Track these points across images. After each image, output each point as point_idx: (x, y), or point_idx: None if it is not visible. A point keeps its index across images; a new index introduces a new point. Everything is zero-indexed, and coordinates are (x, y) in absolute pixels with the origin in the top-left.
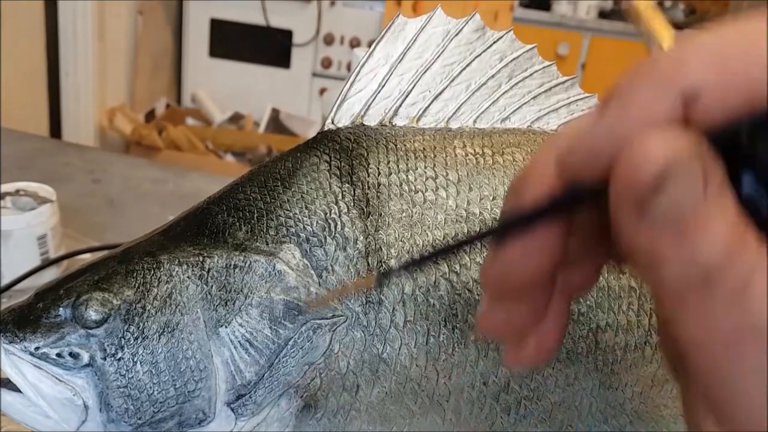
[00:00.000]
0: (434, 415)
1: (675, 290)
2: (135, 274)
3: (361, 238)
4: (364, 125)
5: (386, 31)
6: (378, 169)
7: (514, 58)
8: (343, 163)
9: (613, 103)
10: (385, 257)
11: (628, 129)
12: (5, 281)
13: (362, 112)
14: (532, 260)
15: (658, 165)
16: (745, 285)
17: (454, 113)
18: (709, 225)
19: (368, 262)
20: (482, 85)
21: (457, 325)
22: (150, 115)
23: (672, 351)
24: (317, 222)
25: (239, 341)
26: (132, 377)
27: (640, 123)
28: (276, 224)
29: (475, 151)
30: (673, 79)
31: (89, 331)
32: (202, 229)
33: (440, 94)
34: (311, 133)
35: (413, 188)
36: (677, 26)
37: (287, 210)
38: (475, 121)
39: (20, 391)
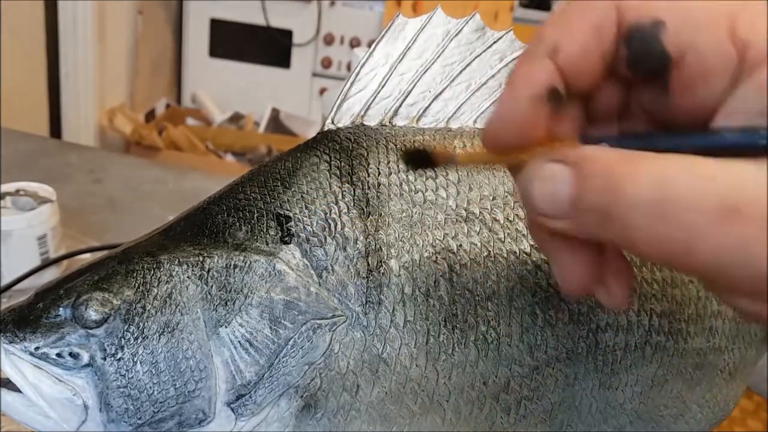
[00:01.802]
0: (434, 416)
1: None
2: (135, 274)
3: (361, 238)
4: (364, 125)
5: (386, 31)
6: (378, 169)
7: (514, 58)
8: (343, 163)
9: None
10: (385, 257)
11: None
12: (5, 281)
13: (362, 112)
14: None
15: (527, 175)
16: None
17: (454, 113)
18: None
19: (368, 262)
20: (482, 85)
21: (457, 325)
22: (150, 115)
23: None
24: (317, 222)
25: (239, 341)
26: (132, 377)
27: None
28: (276, 224)
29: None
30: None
31: (89, 331)
32: (202, 229)
33: (440, 94)
34: (311, 133)
35: (413, 188)
36: None
37: (287, 210)
38: (475, 121)
39: (20, 391)
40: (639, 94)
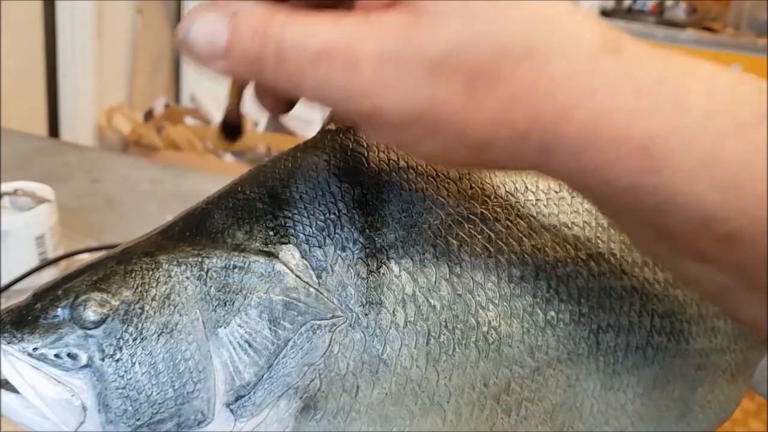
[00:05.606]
0: (434, 417)
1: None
2: (133, 275)
3: (361, 238)
4: None
5: None
6: (378, 168)
7: None
8: (342, 163)
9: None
10: (386, 258)
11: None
12: (4, 281)
13: None
14: None
15: (184, 26)
16: (279, 47)
17: None
18: (239, 27)
19: (368, 263)
20: None
21: (458, 326)
22: (149, 115)
23: None
24: (316, 222)
25: (238, 342)
26: (130, 378)
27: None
28: (275, 224)
29: None
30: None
31: (87, 331)
32: (201, 229)
33: None
34: (311, 133)
35: (413, 188)
36: (679, 25)
37: (286, 210)
38: None
39: (19, 392)
40: None
